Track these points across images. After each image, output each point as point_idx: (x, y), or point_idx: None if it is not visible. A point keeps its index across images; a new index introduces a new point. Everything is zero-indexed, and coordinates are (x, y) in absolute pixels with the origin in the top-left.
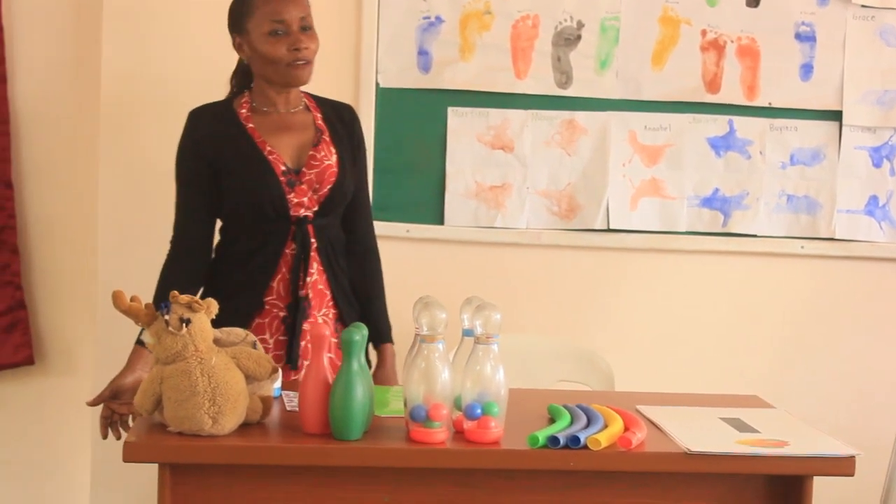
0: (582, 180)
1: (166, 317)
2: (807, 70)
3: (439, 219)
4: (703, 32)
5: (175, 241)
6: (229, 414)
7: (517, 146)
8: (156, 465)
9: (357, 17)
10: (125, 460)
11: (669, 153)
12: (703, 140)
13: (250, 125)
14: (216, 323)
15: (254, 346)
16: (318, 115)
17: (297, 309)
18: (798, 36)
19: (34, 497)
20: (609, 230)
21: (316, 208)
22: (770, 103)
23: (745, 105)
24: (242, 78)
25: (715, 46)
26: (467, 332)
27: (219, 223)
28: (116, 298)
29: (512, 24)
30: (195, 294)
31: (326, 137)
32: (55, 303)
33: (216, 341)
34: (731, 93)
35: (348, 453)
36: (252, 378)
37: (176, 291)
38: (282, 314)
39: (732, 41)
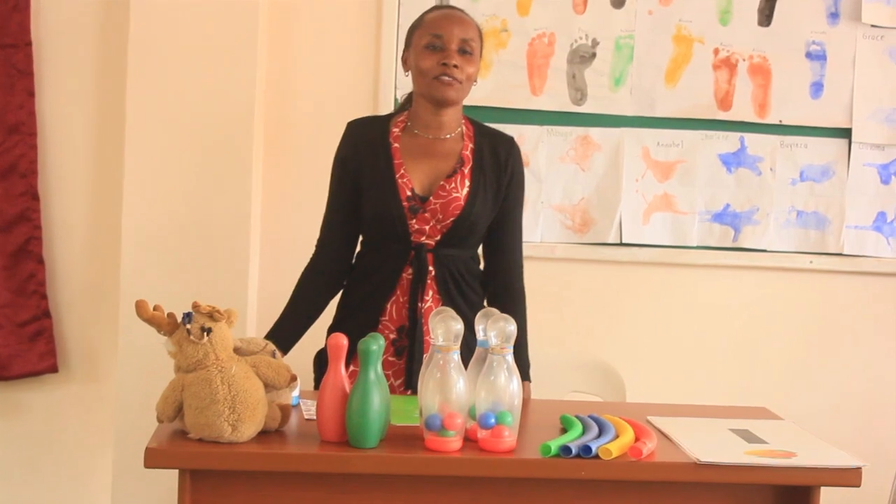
0: (595, 195)
1: (188, 326)
2: (817, 88)
3: None
4: (716, 51)
5: (318, 246)
6: (248, 421)
7: (532, 161)
8: (176, 472)
9: (376, 33)
10: (146, 466)
11: (681, 169)
12: (715, 156)
13: (395, 145)
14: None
15: (273, 355)
16: (470, 145)
17: (409, 333)
18: (809, 55)
19: (57, 502)
20: (622, 244)
21: (438, 238)
22: (781, 121)
23: (756, 122)
24: (409, 96)
25: (727, 64)
26: (482, 343)
27: None
28: (139, 308)
29: (528, 41)
30: (329, 300)
31: (465, 169)
32: (79, 312)
33: (236, 350)
34: (742, 110)
35: (364, 461)
36: (271, 386)
37: (198, 302)
38: (392, 336)
39: (744, 59)
